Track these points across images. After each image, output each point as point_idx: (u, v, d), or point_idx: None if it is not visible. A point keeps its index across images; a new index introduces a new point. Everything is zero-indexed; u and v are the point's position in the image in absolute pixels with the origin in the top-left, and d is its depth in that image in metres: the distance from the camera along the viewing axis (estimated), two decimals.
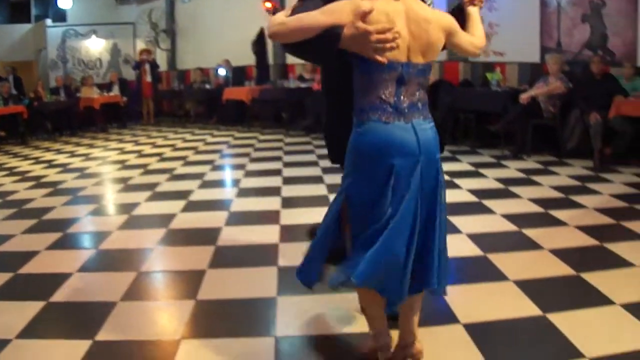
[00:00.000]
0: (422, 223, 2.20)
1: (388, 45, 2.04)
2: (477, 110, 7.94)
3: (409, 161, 2.16)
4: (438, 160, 2.28)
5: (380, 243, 2.14)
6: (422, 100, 2.24)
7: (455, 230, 4.17)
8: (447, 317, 2.90)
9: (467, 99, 8.11)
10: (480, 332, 2.75)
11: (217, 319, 3.01)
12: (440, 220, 2.27)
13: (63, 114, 11.34)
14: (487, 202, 4.99)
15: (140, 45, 14.06)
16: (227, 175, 7.07)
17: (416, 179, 2.17)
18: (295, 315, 3.03)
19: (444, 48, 2.30)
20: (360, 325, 2.79)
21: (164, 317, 3.13)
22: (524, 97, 7.02)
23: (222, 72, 12.11)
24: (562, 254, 3.74)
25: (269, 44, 11.67)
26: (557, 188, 5.51)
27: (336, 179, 6.12)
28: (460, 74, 8.96)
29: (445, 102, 7.91)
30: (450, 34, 2.26)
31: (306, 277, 2.36)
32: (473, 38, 2.38)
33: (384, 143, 2.16)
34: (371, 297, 2.36)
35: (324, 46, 2.08)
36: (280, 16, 2.14)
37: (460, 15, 2.43)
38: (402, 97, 2.16)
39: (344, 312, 3.02)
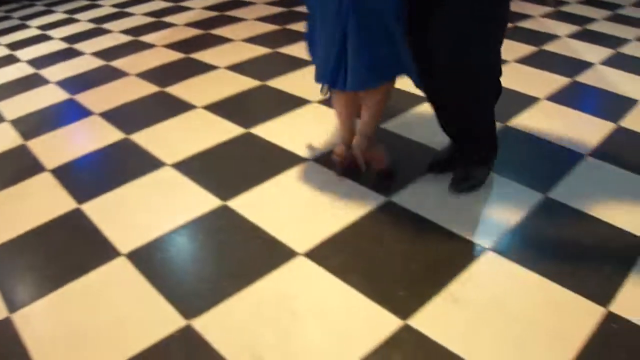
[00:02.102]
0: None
1: None
2: None
3: None
4: None
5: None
6: None
7: (44, 81, 4.26)
8: (35, 167, 3.00)
9: None
10: (66, 172, 2.91)
11: None
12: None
13: None
14: (77, 46, 5.07)
15: None
16: None
17: None
18: None
19: None
20: None
21: None
22: None
23: None
24: (148, 76, 4.04)
25: None
26: (149, 14, 5.81)
27: (18, 36, 5.42)
28: None
29: None
30: None
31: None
32: None
33: None
34: (336, 99, 2.43)
35: None
36: None
37: None
38: None
39: None
